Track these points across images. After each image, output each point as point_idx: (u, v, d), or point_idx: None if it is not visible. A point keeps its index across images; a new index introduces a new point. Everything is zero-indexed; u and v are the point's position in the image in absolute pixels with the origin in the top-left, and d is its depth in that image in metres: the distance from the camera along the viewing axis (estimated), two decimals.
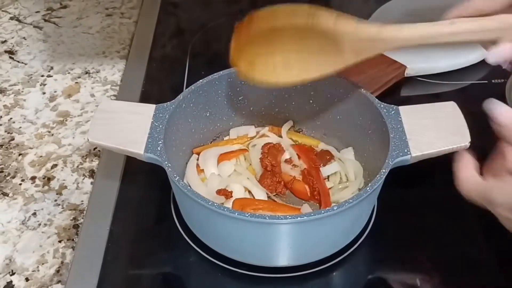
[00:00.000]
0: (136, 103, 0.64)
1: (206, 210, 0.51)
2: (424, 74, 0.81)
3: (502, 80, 0.79)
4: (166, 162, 0.55)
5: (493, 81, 0.80)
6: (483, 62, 0.82)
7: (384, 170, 0.52)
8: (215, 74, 0.65)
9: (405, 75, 0.79)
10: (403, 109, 0.58)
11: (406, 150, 0.54)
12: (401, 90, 0.80)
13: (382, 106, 0.59)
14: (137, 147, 0.57)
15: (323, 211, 0.49)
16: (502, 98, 0.74)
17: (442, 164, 0.55)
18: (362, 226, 0.58)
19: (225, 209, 0.50)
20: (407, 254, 0.59)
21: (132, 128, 0.58)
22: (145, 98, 0.79)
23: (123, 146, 0.57)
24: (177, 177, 0.54)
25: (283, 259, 0.55)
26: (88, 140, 0.57)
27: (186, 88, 0.79)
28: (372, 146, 0.62)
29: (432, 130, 0.55)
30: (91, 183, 0.67)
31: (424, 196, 0.64)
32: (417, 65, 0.79)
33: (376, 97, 0.74)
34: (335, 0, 0.99)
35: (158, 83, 0.83)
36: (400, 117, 0.57)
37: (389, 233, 0.61)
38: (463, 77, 0.81)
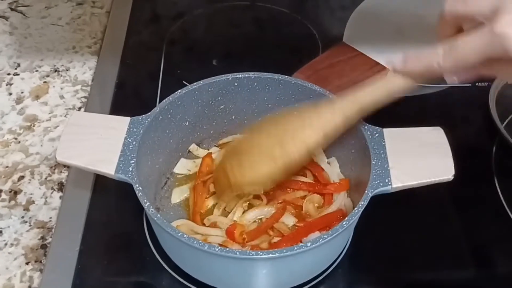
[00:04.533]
0: (109, 116, 0.61)
1: (177, 240, 0.49)
2: None
3: (486, 84, 0.77)
4: (137, 185, 0.53)
5: (477, 84, 0.78)
6: None
7: (362, 203, 0.50)
8: (194, 84, 0.63)
9: None
10: (387, 132, 0.56)
11: (387, 180, 0.52)
12: None
13: (366, 127, 0.57)
14: (108, 167, 0.54)
15: (296, 248, 0.47)
16: (486, 101, 0.73)
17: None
18: (339, 252, 0.57)
19: (195, 242, 0.48)
20: (383, 275, 0.58)
21: (103, 145, 0.56)
22: (117, 100, 0.76)
23: (93, 165, 0.55)
24: (148, 203, 0.52)
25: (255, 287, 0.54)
26: (56, 158, 0.55)
27: (162, 86, 0.78)
28: (355, 166, 0.60)
29: (416, 159, 0.53)
30: (60, 197, 0.64)
31: (401, 217, 0.63)
32: None
33: None
34: None
35: (132, 83, 0.79)
36: (384, 141, 0.55)
37: (365, 254, 0.60)
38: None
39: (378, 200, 0.54)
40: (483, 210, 0.64)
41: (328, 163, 0.65)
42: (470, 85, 0.78)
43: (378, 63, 0.77)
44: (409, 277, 0.58)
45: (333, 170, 0.64)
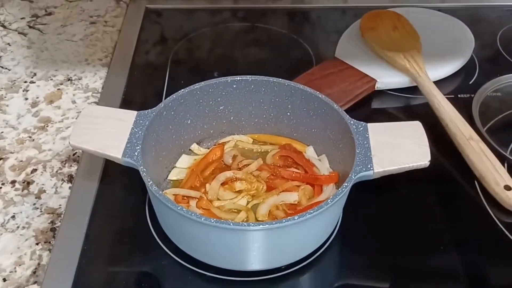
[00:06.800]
0: (119, 109, 0.66)
1: (176, 214, 0.54)
2: (394, 88, 0.84)
3: (469, 95, 0.83)
4: (142, 167, 0.58)
5: (459, 95, 0.84)
6: (450, 78, 0.86)
7: (346, 184, 0.55)
8: (197, 84, 0.68)
9: (375, 89, 0.83)
10: (371, 126, 0.61)
11: (369, 166, 0.57)
12: (372, 102, 0.84)
13: (352, 122, 0.62)
14: (116, 152, 0.60)
15: (284, 220, 0.51)
16: (470, 109, 0.78)
17: (407, 173, 0.59)
18: (328, 233, 0.61)
19: (192, 214, 0.53)
20: (372, 258, 0.62)
21: (112, 133, 0.61)
22: (125, 105, 0.81)
23: (102, 150, 0.60)
24: (150, 181, 0.56)
25: (248, 264, 0.58)
26: (69, 143, 0.60)
27: (166, 96, 0.84)
28: (343, 160, 0.65)
29: (396, 148, 0.58)
30: (69, 187, 0.69)
31: (389, 203, 0.68)
32: (386, 79, 0.83)
33: (348, 108, 0.79)
34: (312, 14, 1.03)
35: (139, 91, 0.85)
36: (368, 134, 0.60)
37: (354, 238, 0.64)
38: None
39: (366, 191, 0.60)
40: (464, 200, 0.69)
41: (319, 159, 0.70)
42: (453, 96, 0.84)
43: (366, 75, 0.83)
44: (396, 261, 0.62)
45: (323, 165, 0.69)
